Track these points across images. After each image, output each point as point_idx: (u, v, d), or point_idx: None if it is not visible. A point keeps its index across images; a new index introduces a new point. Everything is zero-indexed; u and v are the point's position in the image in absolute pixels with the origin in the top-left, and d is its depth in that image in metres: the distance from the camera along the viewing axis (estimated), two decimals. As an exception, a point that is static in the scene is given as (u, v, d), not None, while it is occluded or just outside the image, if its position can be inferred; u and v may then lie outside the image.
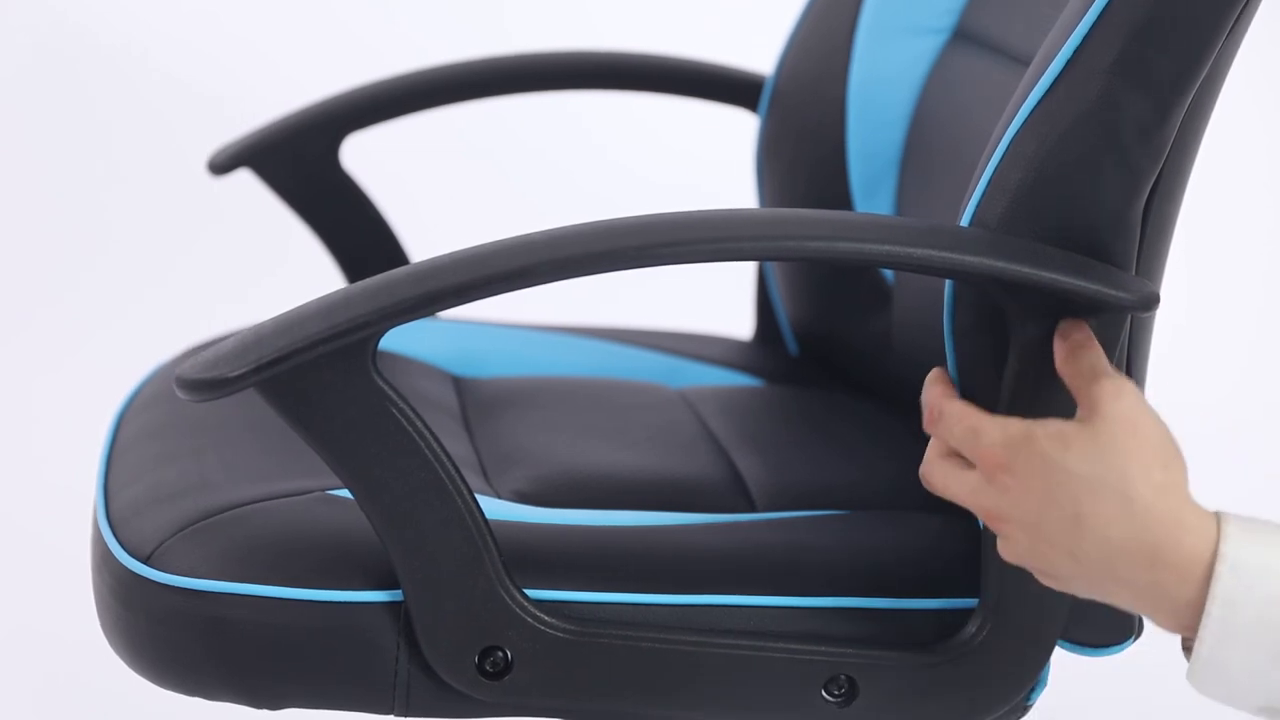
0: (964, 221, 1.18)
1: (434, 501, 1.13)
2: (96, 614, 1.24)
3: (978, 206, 1.17)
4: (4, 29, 3.00)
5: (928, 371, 1.18)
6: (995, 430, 1.09)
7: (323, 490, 1.23)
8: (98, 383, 2.03)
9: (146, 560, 1.18)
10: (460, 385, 1.51)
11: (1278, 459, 2.57)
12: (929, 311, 1.25)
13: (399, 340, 1.51)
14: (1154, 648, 1.33)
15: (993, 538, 1.16)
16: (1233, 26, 1.14)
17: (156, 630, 1.18)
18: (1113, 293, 1.12)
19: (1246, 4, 1.14)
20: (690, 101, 1.70)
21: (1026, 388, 1.15)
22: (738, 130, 1.98)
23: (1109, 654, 1.28)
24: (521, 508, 1.25)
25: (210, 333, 1.53)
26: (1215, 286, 2.82)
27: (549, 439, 1.37)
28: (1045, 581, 1.11)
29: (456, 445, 1.35)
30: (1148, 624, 1.23)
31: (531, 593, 1.17)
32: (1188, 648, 1.07)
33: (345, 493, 1.20)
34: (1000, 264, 1.12)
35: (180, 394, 1.08)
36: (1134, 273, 1.18)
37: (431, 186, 2.87)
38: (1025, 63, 1.26)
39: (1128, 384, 1.09)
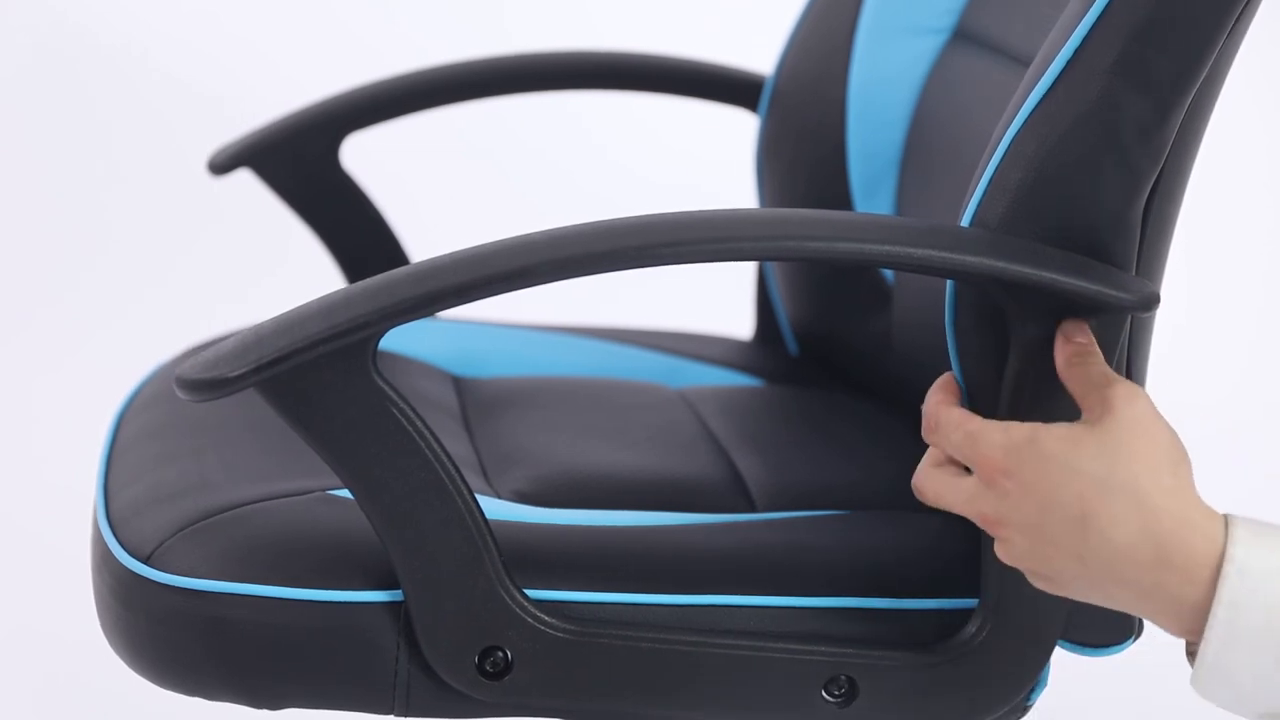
0: (964, 221, 1.18)
1: (434, 501, 1.13)
2: (96, 614, 1.24)
3: (978, 207, 1.17)
4: (4, 29, 3.00)
5: (928, 371, 1.18)
6: (995, 434, 1.09)
7: (323, 490, 1.23)
8: (98, 383, 2.03)
9: (146, 560, 1.18)
10: (460, 385, 1.51)
11: (1278, 459, 2.57)
12: (929, 311, 1.25)
13: (399, 340, 1.51)
14: (1154, 648, 1.33)
15: (991, 539, 1.16)
16: (1233, 26, 1.14)
17: (156, 630, 1.18)
18: (1113, 293, 1.12)
19: (1246, 4, 1.14)
20: (690, 101, 1.70)
21: (1026, 387, 1.15)
22: (738, 130, 1.98)
23: (1109, 654, 1.27)
24: (521, 508, 1.25)
25: (210, 333, 1.53)
26: (1215, 286, 2.82)
27: (549, 439, 1.37)
28: (1040, 585, 1.11)
29: (456, 445, 1.35)
30: (1148, 625, 1.23)
31: (531, 593, 1.17)
32: (1191, 653, 1.07)
33: (345, 493, 1.20)
34: (1000, 264, 1.12)
35: (180, 394, 1.08)
36: (1134, 273, 1.18)
37: (431, 186, 2.87)
38: (1025, 63, 1.26)
39: (1141, 390, 1.09)
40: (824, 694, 1.20)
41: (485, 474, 1.33)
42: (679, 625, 1.19)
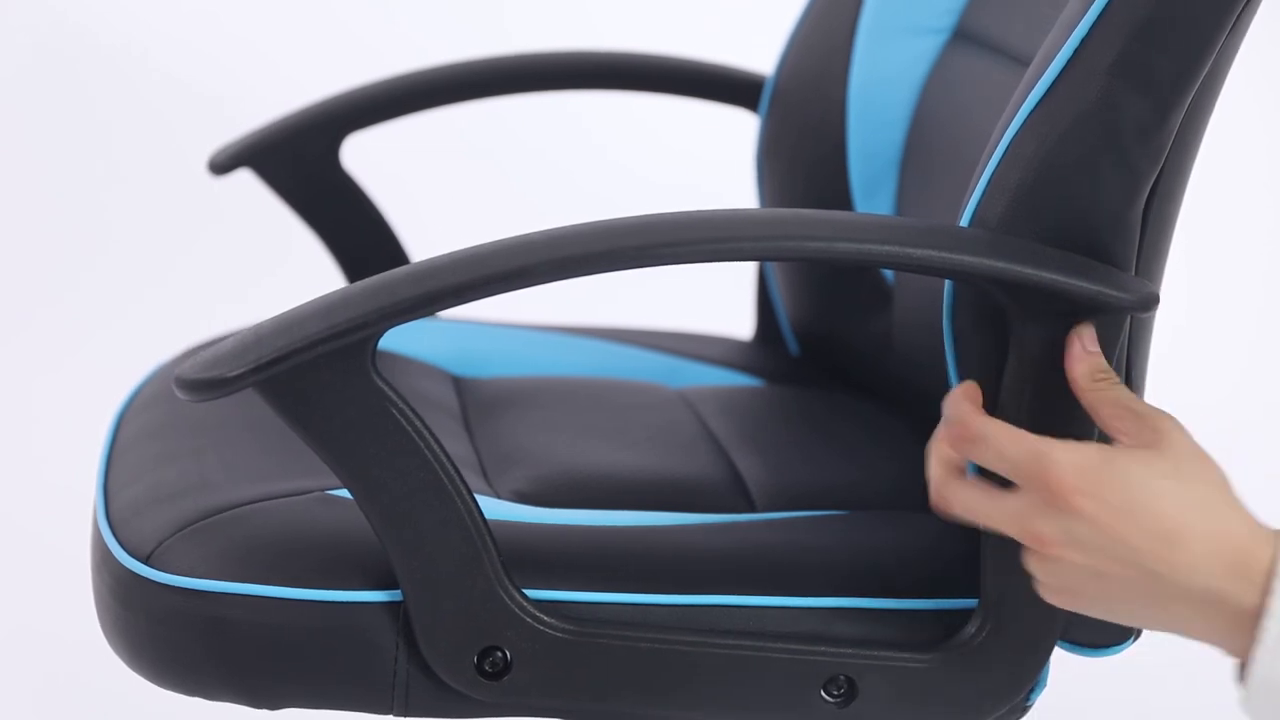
0: (964, 222, 1.18)
1: (433, 501, 1.13)
2: (96, 614, 1.24)
3: (978, 207, 1.17)
4: (4, 29, 3.00)
5: (928, 372, 1.18)
6: (1066, 453, 1.08)
7: (322, 490, 1.23)
8: (98, 383, 2.03)
9: (146, 560, 1.18)
10: (460, 385, 1.51)
11: (1278, 459, 2.56)
12: (929, 311, 1.25)
13: (399, 340, 1.51)
14: (1154, 648, 1.33)
15: (993, 539, 1.16)
16: (1233, 26, 1.14)
17: (156, 630, 1.18)
18: (1112, 293, 1.12)
19: (1246, 4, 1.14)
20: (690, 101, 1.70)
21: (1027, 388, 1.15)
22: (738, 130, 1.97)
23: (1109, 654, 1.27)
24: (521, 508, 1.25)
25: (210, 333, 1.53)
26: (1215, 286, 2.82)
27: (549, 439, 1.37)
28: (1066, 602, 1.11)
29: (456, 445, 1.35)
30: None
31: (531, 593, 1.17)
32: (1241, 679, 1.07)
33: (345, 493, 1.20)
34: (1000, 264, 1.12)
35: (180, 394, 1.08)
36: (1134, 273, 1.18)
37: (431, 186, 2.87)
38: (1025, 63, 1.26)
39: (1176, 418, 1.10)
40: (823, 694, 1.20)
41: (485, 474, 1.33)
42: (678, 625, 1.19)
